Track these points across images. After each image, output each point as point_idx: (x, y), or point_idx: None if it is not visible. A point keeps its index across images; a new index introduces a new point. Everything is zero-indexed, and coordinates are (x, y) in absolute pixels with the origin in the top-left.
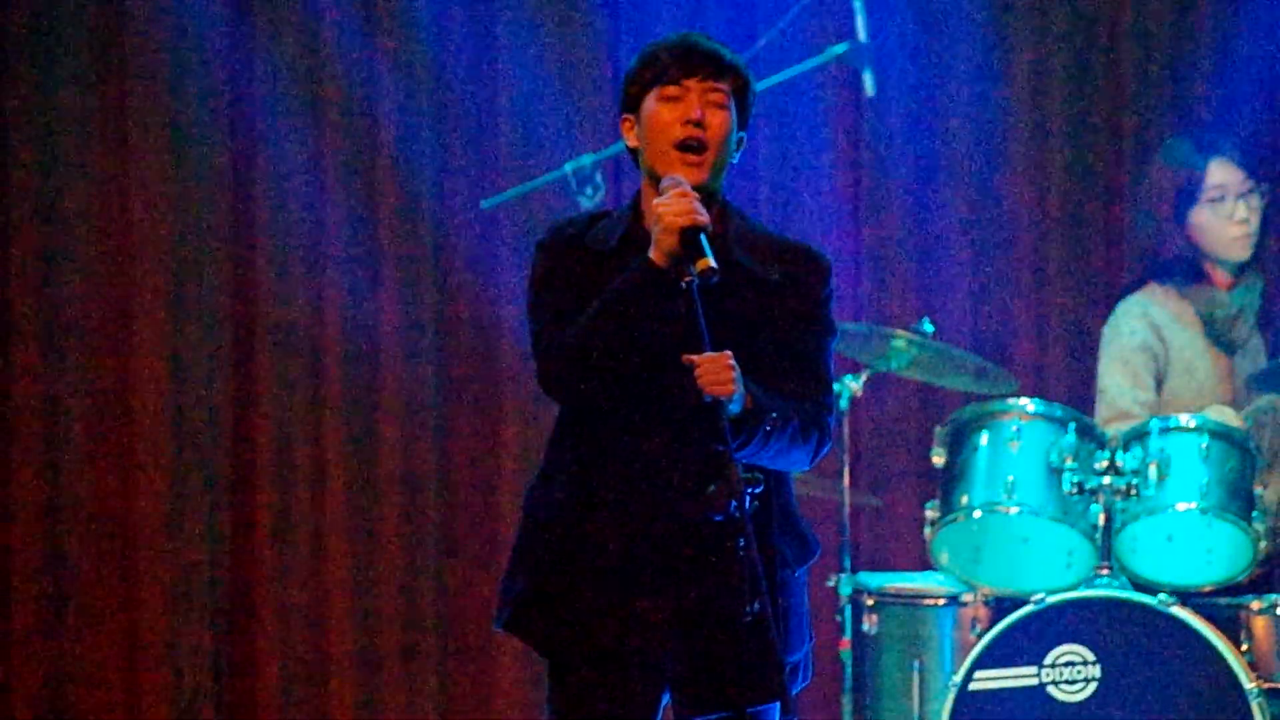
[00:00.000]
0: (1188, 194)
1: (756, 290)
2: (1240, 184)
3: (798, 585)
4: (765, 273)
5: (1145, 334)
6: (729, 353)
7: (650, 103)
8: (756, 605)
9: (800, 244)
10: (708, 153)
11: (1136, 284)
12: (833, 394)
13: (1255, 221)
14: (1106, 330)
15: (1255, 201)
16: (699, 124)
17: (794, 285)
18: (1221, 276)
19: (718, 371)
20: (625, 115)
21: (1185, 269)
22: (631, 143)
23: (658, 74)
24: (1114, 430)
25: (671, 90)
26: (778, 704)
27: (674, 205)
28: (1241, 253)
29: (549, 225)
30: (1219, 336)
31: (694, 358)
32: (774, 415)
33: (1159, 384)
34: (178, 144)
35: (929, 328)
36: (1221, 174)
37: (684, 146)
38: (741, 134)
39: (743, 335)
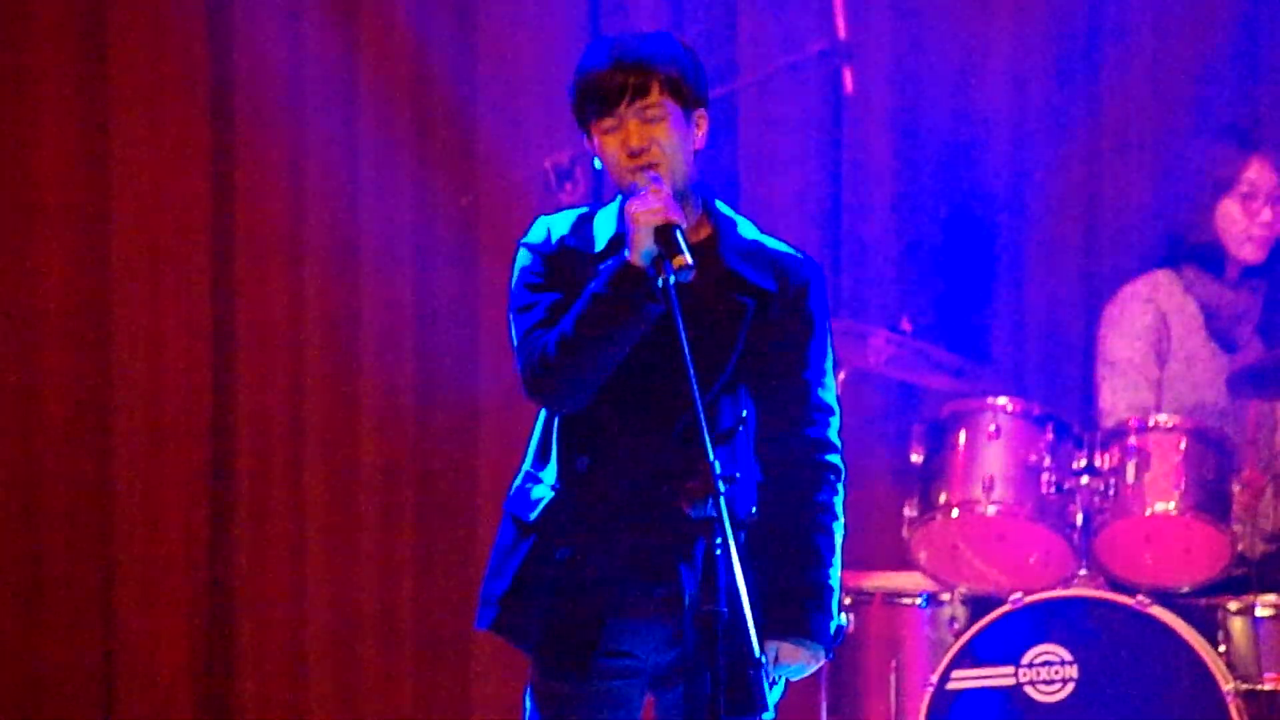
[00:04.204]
0: (1222, 183)
1: (755, 299)
2: (1275, 187)
3: None
4: (762, 281)
5: (1153, 317)
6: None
7: (596, 134)
8: (725, 606)
9: (794, 253)
10: (661, 166)
11: (1143, 269)
12: (837, 414)
13: (1278, 228)
14: (1111, 311)
15: None
16: (642, 150)
17: (792, 296)
18: (1232, 274)
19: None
20: (583, 135)
21: (1206, 257)
22: (597, 161)
23: (592, 108)
24: (1122, 395)
25: (608, 122)
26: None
27: (646, 204)
28: (1254, 255)
29: (533, 224)
30: (1221, 334)
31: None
32: (835, 600)
33: (1161, 367)
34: (158, 133)
35: (908, 326)
36: (1258, 172)
37: (637, 169)
38: (700, 110)
39: (742, 344)
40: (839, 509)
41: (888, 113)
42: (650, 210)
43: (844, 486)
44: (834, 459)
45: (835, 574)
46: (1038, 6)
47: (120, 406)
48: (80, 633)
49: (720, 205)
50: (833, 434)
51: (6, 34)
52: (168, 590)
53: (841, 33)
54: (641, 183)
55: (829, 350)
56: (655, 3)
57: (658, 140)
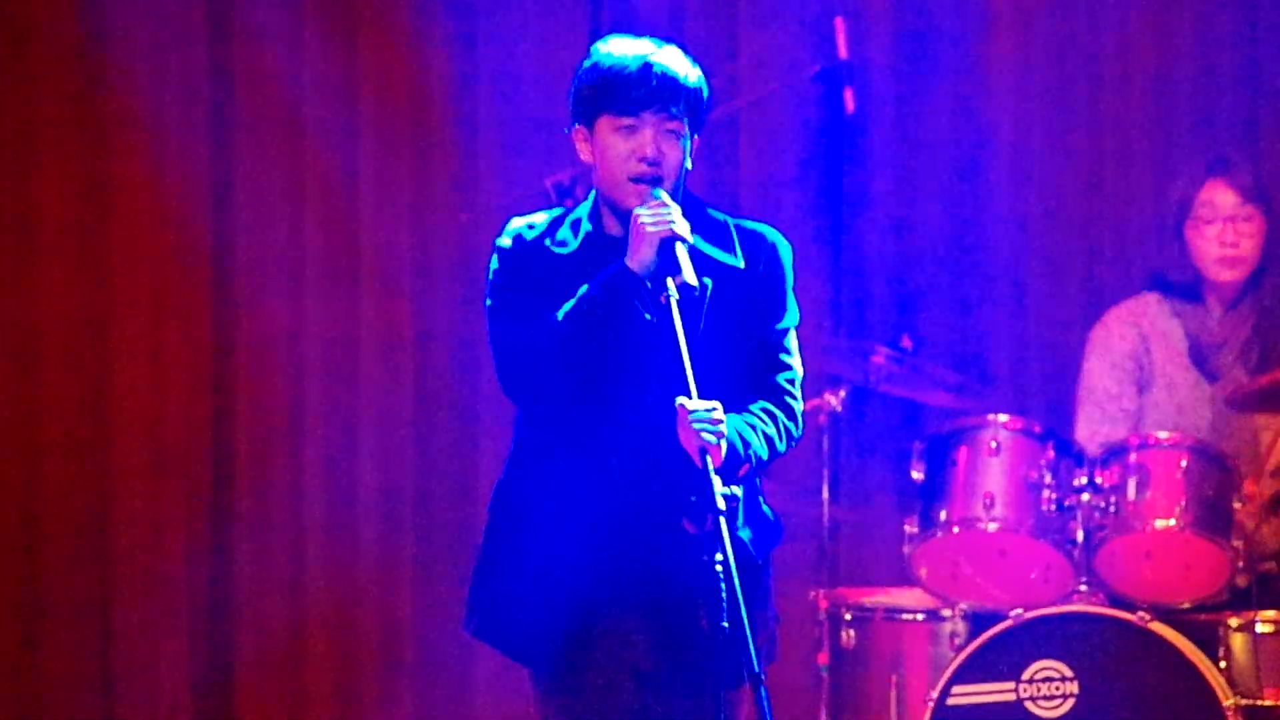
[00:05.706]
0: (1182, 209)
1: (717, 275)
2: (1234, 207)
3: (762, 570)
4: (727, 258)
5: (1135, 342)
6: (718, 404)
7: (604, 128)
8: (726, 620)
9: (759, 227)
10: (663, 184)
11: (1133, 292)
12: (799, 379)
13: (1248, 247)
14: (1096, 333)
15: (1250, 228)
16: (657, 162)
17: (756, 270)
18: (1216, 302)
19: (708, 428)
20: (577, 124)
21: (1184, 286)
22: (584, 156)
23: (613, 102)
24: (1096, 427)
25: (627, 120)
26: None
27: (655, 215)
28: (1225, 275)
29: (506, 226)
30: (1202, 361)
31: (685, 404)
32: (748, 458)
33: (1140, 394)
34: (158, 155)
35: (908, 343)
36: (1215, 194)
37: (638, 179)
38: (694, 135)
39: (705, 321)
40: (779, 428)
41: (888, 132)
42: (659, 221)
43: (796, 427)
44: (792, 404)
45: (751, 438)
46: (1039, 26)
47: (120, 425)
48: (80, 650)
49: (690, 193)
50: (793, 395)
51: (5, 53)
52: (168, 607)
53: (842, 52)
54: (651, 194)
55: (795, 327)
56: (655, 23)
57: (668, 157)
